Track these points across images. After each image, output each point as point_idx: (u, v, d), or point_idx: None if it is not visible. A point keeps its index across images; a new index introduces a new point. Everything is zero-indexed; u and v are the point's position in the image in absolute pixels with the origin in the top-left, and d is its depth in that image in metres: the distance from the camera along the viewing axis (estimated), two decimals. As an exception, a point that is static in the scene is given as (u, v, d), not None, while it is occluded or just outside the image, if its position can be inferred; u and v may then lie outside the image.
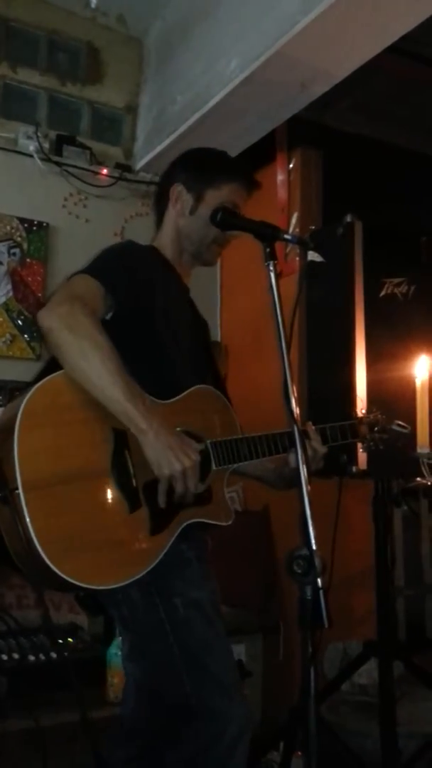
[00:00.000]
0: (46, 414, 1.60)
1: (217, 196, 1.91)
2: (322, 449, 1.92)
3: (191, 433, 1.75)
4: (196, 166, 1.98)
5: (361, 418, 2.10)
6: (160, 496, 1.65)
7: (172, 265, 1.96)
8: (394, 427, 2.10)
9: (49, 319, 1.66)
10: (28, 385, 1.64)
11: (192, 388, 1.81)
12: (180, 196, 1.95)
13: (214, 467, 1.76)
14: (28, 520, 1.51)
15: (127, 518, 1.63)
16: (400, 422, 2.12)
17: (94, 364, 1.61)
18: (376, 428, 2.09)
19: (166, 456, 1.61)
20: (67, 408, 1.63)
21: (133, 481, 1.65)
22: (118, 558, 1.61)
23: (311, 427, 1.93)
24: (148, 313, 1.81)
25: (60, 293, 1.75)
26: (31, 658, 2.58)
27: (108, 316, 1.76)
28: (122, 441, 1.65)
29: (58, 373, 1.65)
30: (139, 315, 1.80)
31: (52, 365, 1.69)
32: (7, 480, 1.54)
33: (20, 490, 1.52)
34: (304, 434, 1.82)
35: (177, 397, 1.77)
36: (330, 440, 1.97)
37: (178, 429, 1.72)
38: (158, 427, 1.61)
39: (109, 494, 1.62)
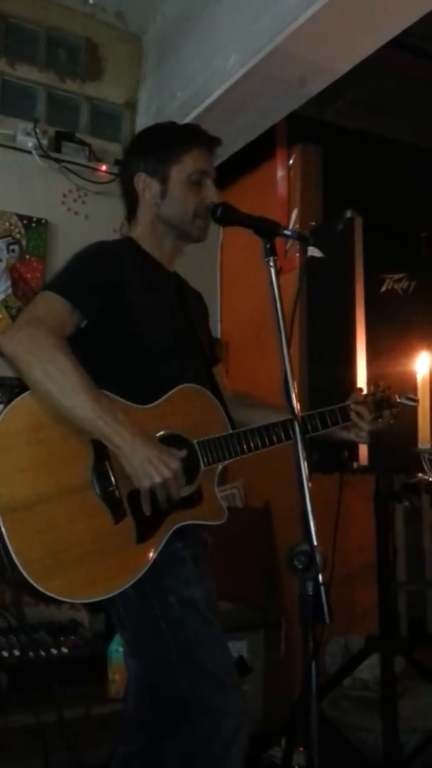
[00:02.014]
0: (20, 434, 1.60)
1: (181, 169, 1.87)
2: (367, 426, 1.92)
3: (176, 436, 1.73)
4: (150, 147, 1.92)
5: (365, 395, 2.00)
6: (144, 506, 1.65)
7: (151, 255, 1.91)
8: (404, 401, 2.03)
9: (10, 345, 1.65)
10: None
11: (175, 389, 1.77)
12: (146, 184, 1.89)
13: (202, 467, 1.74)
14: (8, 542, 1.52)
15: (113, 529, 1.62)
16: (409, 395, 2.06)
17: (59, 387, 1.60)
18: (384, 404, 2.00)
19: (144, 469, 1.59)
20: (41, 426, 1.62)
21: (116, 492, 1.64)
22: (105, 569, 1.61)
23: (360, 399, 1.92)
24: (125, 314, 1.78)
25: (21, 317, 1.74)
26: (32, 654, 2.58)
27: (83, 324, 1.74)
28: (102, 452, 1.64)
29: (29, 392, 1.64)
30: (116, 318, 1.77)
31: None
32: None
33: None
34: (329, 413, 1.90)
35: (160, 400, 1.74)
36: (330, 424, 1.91)
37: (161, 433, 1.71)
38: (133, 439, 1.60)
39: (92, 507, 1.61)
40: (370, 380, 2.21)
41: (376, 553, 2.57)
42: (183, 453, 1.70)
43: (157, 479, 1.60)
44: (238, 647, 3.06)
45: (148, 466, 1.59)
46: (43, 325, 1.65)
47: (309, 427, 1.89)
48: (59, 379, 1.60)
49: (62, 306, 1.70)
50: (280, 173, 3.76)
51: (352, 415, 1.94)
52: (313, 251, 1.93)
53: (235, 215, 1.74)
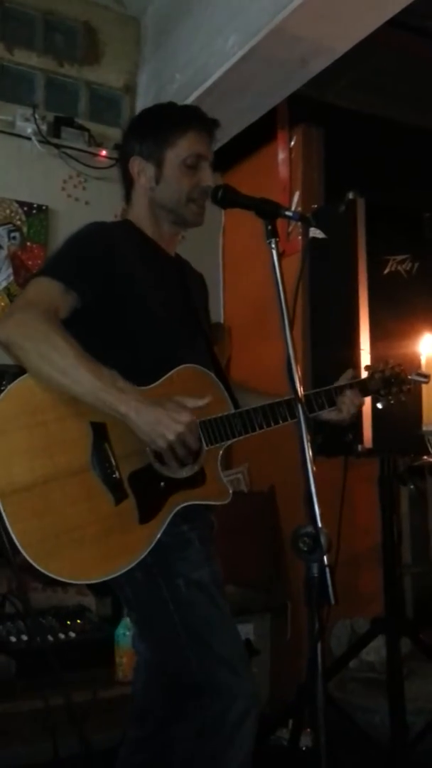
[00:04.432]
0: (18, 417, 1.59)
1: (177, 153, 1.85)
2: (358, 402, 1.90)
3: None
4: (145, 131, 1.90)
5: (372, 372, 1.99)
6: (170, 464, 1.64)
7: (150, 238, 1.90)
8: (415, 377, 2.01)
9: (3, 332, 1.64)
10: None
11: (176, 369, 1.76)
12: (141, 168, 1.88)
13: (205, 447, 1.73)
14: (8, 525, 1.52)
15: (113, 510, 1.62)
16: (420, 371, 2.04)
17: (56, 365, 1.59)
18: (393, 380, 1.98)
19: (156, 430, 1.59)
20: (39, 409, 1.61)
21: (117, 473, 1.63)
22: (106, 551, 1.60)
23: (350, 379, 1.91)
24: (121, 294, 1.77)
25: (13, 304, 1.75)
26: (39, 639, 2.59)
27: (78, 305, 1.72)
28: (101, 434, 1.63)
29: (27, 375, 1.63)
30: (112, 298, 1.75)
31: None
32: None
33: None
34: (336, 391, 1.87)
35: (160, 380, 1.73)
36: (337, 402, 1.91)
37: None
38: (137, 404, 1.59)
39: (92, 489, 1.61)
40: (375, 361, 2.20)
41: (381, 535, 2.58)
42: (198, 401, 1.67)
43: (171, 437, 1.59)
44: (244, 630, 3.07)
45: (159, 427, 1.58)
46: (34, 308, 1.64)
47: (315, 406, 1.89)
48: (55, 358, 1.59)
49: (54, 289, 1.69)
50: (281, 155, 3.74)
51: (345, 399, 1.91)
52: (315, 232, 1.92)
53: (236, 197, 1.72)
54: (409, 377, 2.01)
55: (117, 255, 1.78)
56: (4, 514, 1.52)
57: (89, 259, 1.75)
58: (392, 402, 1.99)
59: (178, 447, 1.62)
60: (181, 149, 1.85)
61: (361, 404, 1.94)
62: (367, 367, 2.02)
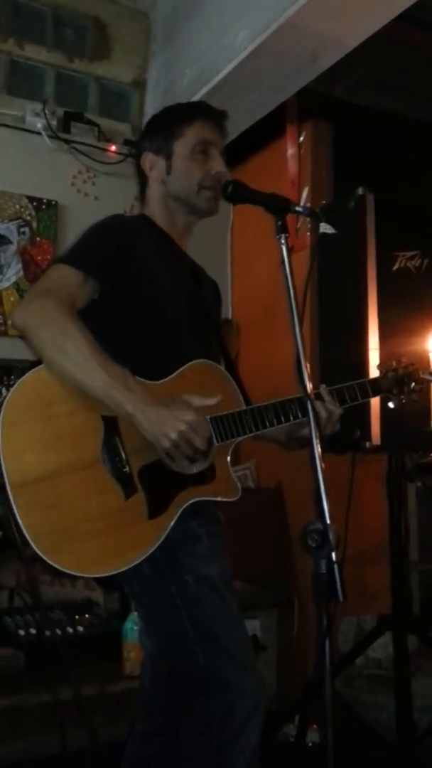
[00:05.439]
0: (30, 409, 1.60)
1: (185, 143, 1.88)
2: (338, 410, 1.84)
3: None
4: (155, 127, 1.96)
5: (385, 371, 1.97)
6: (179, 463, 1.64)
7: (165, 232, 1.92)
8: (428, 377, 2.00)
9: (21, 318, 1.66)
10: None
11: (188, 364, 1.76)
12: (152, 163, 1.92)
13: (216, 443, 1.73)
14: (18, 517, 1.53)
15: (123, 505, 1.62)
16: None
17: (69, 357, 1.59)
18: (406, 379, 1.97)
19: (160, 430, 1.59)
20: (52, 401, 1.62)
21: (127, 468, 1.64)
22: (115, 545, 1.61)
23: (325, 389, 1.86)
24: (139, 285, 1.78)
25: (32, 289, 1.76)
26: (47, 633, 2.60)
27: (96, 296, 1.73)
28: (112, 428, 1.64)
29: (41, 366, 1.64)
30: (129, 289, 1.76)
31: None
32: None
33: (8, 489, 1.53)
34: (317, 396, 1.81)
35: (172, 375, 1.73)
36: (349, 401, 1.88)
37: None
38: (143, 405, 1.60)
39: (102, 483, 1.61)
40: (383, 359, 2.19)
41: (388, 532, 2.57)
42: (206, 400, 1.68)
43: (174, 436, 1.59)
44: (251, 626, 3.08)
45: (163, 427, 1.59)
46: (53, 296, 1.65)
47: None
48: (70, 349, 1.60)
49: (73, 277, 1.70)
50: (291, 151, 3.73)
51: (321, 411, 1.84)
52: (325, 227, 1.91)
53: (246, 192, 1.72)
54: (422, 376, 2.00)
55: (136, 247, 1.80)
56: (15, 507, 1.53)
57: (110, 250, 1.76)
58: (404, 401, 1.98)
59: (183, 446, 1.62)
60: (188, 138, 1.88)
61: (337, 414, 1.86)
62: (379, 366, 2.01)
